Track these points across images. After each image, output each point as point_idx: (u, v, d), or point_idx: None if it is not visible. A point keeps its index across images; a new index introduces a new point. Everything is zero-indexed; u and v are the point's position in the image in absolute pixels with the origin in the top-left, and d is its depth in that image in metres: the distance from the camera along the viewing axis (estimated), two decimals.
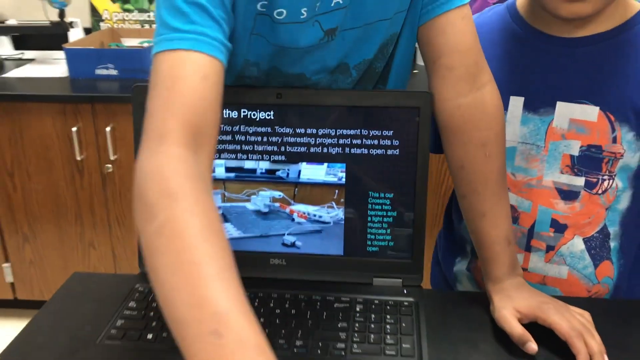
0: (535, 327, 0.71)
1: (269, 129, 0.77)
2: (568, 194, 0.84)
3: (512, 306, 0.73)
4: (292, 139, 0.77)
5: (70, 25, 2.30)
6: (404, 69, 0.83)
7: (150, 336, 0.69)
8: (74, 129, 1.93)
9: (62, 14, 2.18)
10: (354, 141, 0.76)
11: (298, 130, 0.77)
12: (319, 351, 0.67)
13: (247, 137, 0.77)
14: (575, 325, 0.69)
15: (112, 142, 1.92)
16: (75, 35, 2.33)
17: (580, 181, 0.83)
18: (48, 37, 2.39)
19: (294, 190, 0.78)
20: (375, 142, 0.76)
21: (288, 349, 0.67)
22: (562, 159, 0.83)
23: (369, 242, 0.79)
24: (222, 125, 0.77)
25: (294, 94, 0.76)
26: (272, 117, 0.76)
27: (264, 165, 0.78)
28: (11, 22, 2.44)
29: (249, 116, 0.77)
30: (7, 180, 2.04)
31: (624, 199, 0.84)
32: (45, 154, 1.99)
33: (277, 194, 0.79)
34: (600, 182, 0.83)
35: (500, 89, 0.79)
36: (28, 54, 2.42)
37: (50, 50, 2.41)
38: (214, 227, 0.53)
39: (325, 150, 0.77)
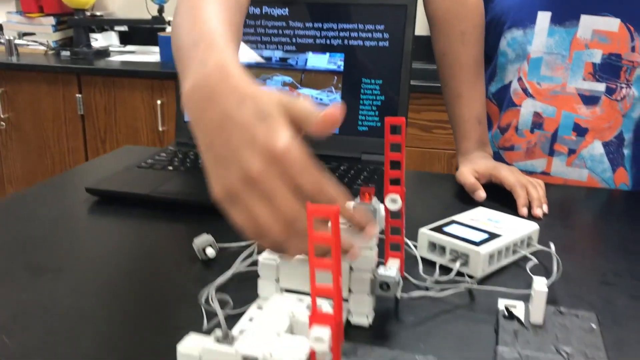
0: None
1: (284, 23, 0.94)
2: (590, 99, 0.94)
3: (471, 167, 0.84)
4: (301, 32, 0.94)
5: (168, 23, 2.63)
6: None
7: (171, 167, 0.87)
8: (159, 102, 2.21)
9: (161, 10, 2.51)
10: (352, 34, 0.92)
11: (307, 24, 0.93)
12: None
13: (266, 29, 0.95)
14: (521, 180, 0.80)
15: None
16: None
17: (601, 87, 0.93)
18: (149, 33, 2.74)
19: (300, 76, 0.95)
20: (369, 35, 0.91)
21: None
22: (585, 67, 0.93)
23: (360, 123, 0.93)
24: (246, 20, 0.95)
25: None
26: (286, 14, 0.94)
27: (278, 54, 0.95)
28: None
29: (268, 13, 0.95)
30: (100, 147, 2.34)
31: (638, 107, 0.93)
32: (133, 123, 2.28)
33: (287, 79, 0.95)
34: (618, 89, 0.92)
35: (529, 4, 0.92)
36: (131, 47, 2.77)
37: (149, 46, 2.75)
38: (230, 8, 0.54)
39: (328, 42, 0.93)
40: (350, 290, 0.51)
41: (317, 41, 0.93)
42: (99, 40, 2.72)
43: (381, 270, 0.50)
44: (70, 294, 0.55)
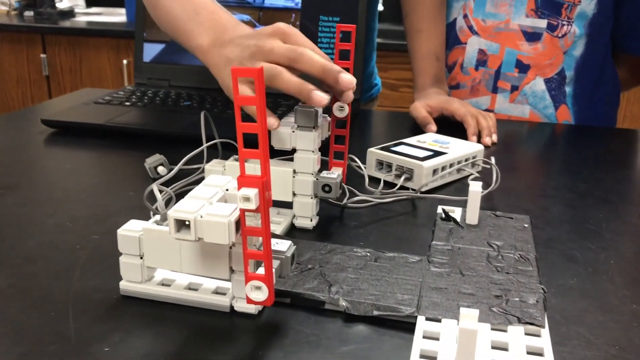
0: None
1: None
2: (532, 36, 0.96)
3: (425, 102, 0.86)
4: None
5: None
6: None
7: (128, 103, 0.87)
8: (125, 61, 2.19)
9: None
10: None
11: None
12: None
13: None
14: (472, 111, 0.82)
15: None
16: None
17: (542, 23, 0.95)
18: None
19: (258, 14, 0.95)
20: None
21: (233, 112, 0.83)
22: (527, 3, 0.95)
23: None
24: None
25: None
26: None
27: None
28: None
29: None
30: None
31: (580, 45, 0.95)
32: (100, 83, 2.25)
33: (245, 17, 0.95)
34: (560, 26, 0.94)
35: None
36: (96, 9, 2.72)
37: (115, 7, 2.70)
38: None
39: None
40: (294, 194, 0.52)
41: None
42: (63, 1, 2.66)
43: (323, 173, 0.52)
44: (21, 206, 0.56)
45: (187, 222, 0.35)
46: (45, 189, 0.61)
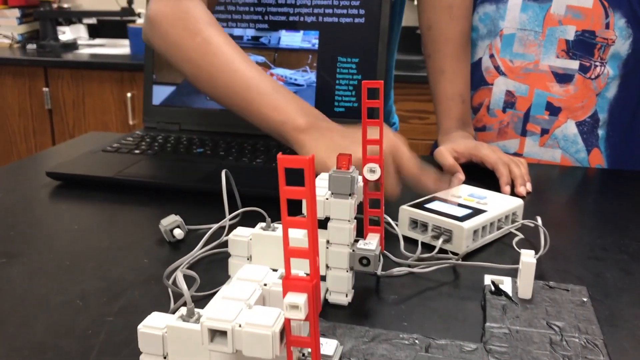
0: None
1: (255, 0, 0.90)
2: (563, 77, 0.91)
3: (451, 146, 0.81)
4: (273, 9, 0.90)
5: (138, 15, 2.57)
6: None
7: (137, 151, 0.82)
8: (129, 94, 2.15)
9: (130, 2, 2.45)
10: (326, 10, 0.88)
11: (279, 1, 0.90)
12: (273, 164, 0.78)
13: (237, 7, 0.91)
14: (503, 158, 0.77)
15: None
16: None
17: (574, 64, 0.91)
18: (118, 25, 2.67)
19: (274, 55, 0.91)
20: (344, 11, 0.88)
21: (249, 162, 0.78)
22: (558, 44, 0.91)
23: (336, 104, 0.90)
24: None
25: None
26: None
27: (249, 32, 0.91)
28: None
29: None
30: None
31: (613, 86, 0.91)
32: (103, 117, 2.22)
33: (260, 58, 0.91)
34: (592, 67, 0.90)
35: None
36: (100, 40, 2.70)
37: (119, 38, 2.68)
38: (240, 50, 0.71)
39: (301, 19, 0.89)
40: (327, 267, 0.47)
41: (291, 18, 0.90)
42: (66, 33, 2.64)
43: (360, 244, 0.47)
44: (27, 279, 0.51)
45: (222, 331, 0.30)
46: (52, 256, 0.55)
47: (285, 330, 0.30)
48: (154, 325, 0.35)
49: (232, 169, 0.76)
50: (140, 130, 0.93)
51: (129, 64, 2.15)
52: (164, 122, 0.95)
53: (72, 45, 2.49)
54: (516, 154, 0.95)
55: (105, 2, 2.64)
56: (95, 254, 0.56)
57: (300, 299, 0.28)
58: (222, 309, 0.31)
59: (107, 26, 2.72)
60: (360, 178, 0.49)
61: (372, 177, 0.49)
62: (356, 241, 0.48)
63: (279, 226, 0.48)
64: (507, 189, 0.74)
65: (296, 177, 0.31)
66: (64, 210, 0.67)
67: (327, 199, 0.46)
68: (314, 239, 0.28)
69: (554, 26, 0.91)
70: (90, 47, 2.53)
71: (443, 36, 0.88)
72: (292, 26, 0.90)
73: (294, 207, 0.38)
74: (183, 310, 0.35)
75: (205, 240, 0.54)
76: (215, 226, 0.54)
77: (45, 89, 2.23)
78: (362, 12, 0.87)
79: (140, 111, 2.17)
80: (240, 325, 0.29)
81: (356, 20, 0.88)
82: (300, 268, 0.31)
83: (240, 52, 0.70)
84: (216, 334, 0.30)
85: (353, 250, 0.46)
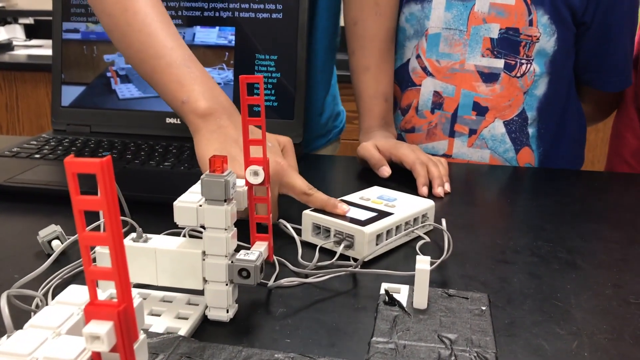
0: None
1: None
2: (489, 77, 0.89)
3: (372, 142, 0.78)
4: (187, 4, 0.85)
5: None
6: None
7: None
8: None
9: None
10: (243, 5, 0.84)
11: None
12: (182, 168, 0.73)
13: None
14: (421, 158, 0.74)
15: None
16: None
17: (499, 63, 0.88)
18: None
19: None
20: (262, 6, 0.84)
21: (156, 166, 0.73)
22: (483, 42, 0.88)
23: None
24: None
25: None
26: None
27: None
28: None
29: None
30: None
31: (541, 84, 0.89)
32: (38, 121, 2.12)
33: None
34: (518, 65, 0.88)
35: None
36: (37, 41, 2.60)
37: None
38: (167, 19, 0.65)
39: (217, 14, 0.85)
40: (205, 280, 0.43)
41: (205, 14, 0.85)
42: (1, 33, 2.53)
43: (240, 254, 0.43)
44: None
45: None
46: None
47: None
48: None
49: (135, 173, 0.72)
50: (48, 133, 0.87)
51: None
52: (74, 124, 0.89)
53: (6, 46, 2.38)
54: (445, 155, 0.92)
55: (43, 2, 2.54)
56: None
57: (102, 328, 0.24)
58: (23, 339, 0.26)
59: (44, 26, 2.62)
60: (242, 182, 0.45)
61: (255, 181, 0.45)
62: (237, 251, 0.43)
63: (152, 236, 0.44)
64: (424, 190, 0.71)
65: None
66: None
67: (200, 205, 0.41)
68: (119, 256, 0.24)
69: (478, 24, 0.89)
70: (27, 49, 2.43)
71: (368, 33, 0.84)
72: (208, 22, 0.85)
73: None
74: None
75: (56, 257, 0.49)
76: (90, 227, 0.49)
77: None
78: (279, 7, 0.84)
79: None
80: None
81: (274, 15, 0.84)
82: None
83: (163, 18, 0.64)
84: None
85: (232, 262, 0.42)
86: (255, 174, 0.45)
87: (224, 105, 0.61)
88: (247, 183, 0.45)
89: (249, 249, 0.44)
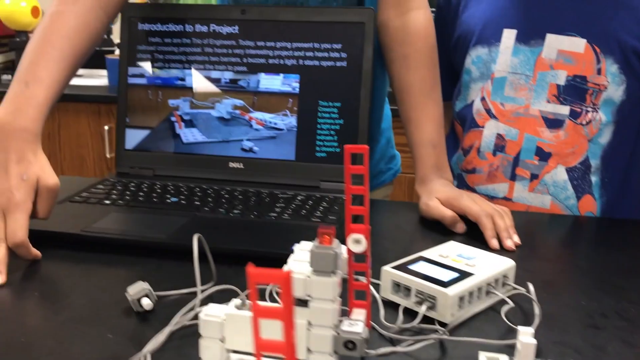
0: None
1: (234, 42, 0.87)
2: (553, 122, 0.89)
3: (434, 197, 0.78)
4: (252, 52, 0.87)
5: (117, 45, 2.53)
6: None
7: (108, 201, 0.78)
8: (106, 127, 2.10)
9: (108, 32, 2.41)
10: (307, 53, 0.85)
11: (258, 44, 0.86)
12: (252, 216, 0.73)
13: (214, 49, 0.88)
14: (486, 209, 0.74)
15: None
16: None
17: (565, 110, 0.88)
18: (96, 56, 2.62)
19: (253, 98, 0.87)
20: (326, 54, 0.85)
21: (226, 213, 0.74)
22: (549, 88, 0.89)
23: (317, 148, 0.86)
24: (192, 39, 0.88)
25: (256, 11, 0.86)
26: (236, 32, 0.87)
27: (227, 75, 0.88)
28: None
29: (216, 31, 0.87)
30: None
31: (607, 133, 0.89)
32: (79, 150, 2.16)
33: (238, 102, 0.88)
34: (584, 112, 0.88)
35: (495, 22, 0.89)
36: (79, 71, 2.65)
37: (97, 69, 2.64)
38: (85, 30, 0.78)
39: (281, 62, 0.86)
40: (309, 350, 0.43)
41: (270, 61, 0.87)
42: None
43: (345, 326, 0.43)
44: None
45: None
46: (3, 330, 0.50)
47: None
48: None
49: (207, 222, 0.72)
50: (112, 177, 0.89)
51: (105, 96, 2.10)
52: (138, 168, 0.90)
53: None
54: (505, 199, 0.92)
55: None
56: (53, 329, 0.51)
57: None
58: None
59: None
60: (344, 249, 0.45)
61: (358, 249, 0.45)
62: (340, 320, 0.44)
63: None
64: (494, 242, 0.70)
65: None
66: (17, 274, 0.62)
67: (308, 276, 0.42)
68: (290, 336, 0.24)
69: (545, 70, 0.89)
70: None
71: (403, 87, 0.86)
72: (272, 69, 0.87)
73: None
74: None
75: (176, 320, 0.50)
76: (184, 309, 0.50)
77: None
78: (344, 55, 0.85)
79: None
80: None
81: (338, 63, 0.85)
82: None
83: (59, 44, 0.77)
84: None
85: (337, 333, 0.42)
86: (357, 242, 0.45)
87: (26, 127, 0.66)
88: (349, 251, 0.45)
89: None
